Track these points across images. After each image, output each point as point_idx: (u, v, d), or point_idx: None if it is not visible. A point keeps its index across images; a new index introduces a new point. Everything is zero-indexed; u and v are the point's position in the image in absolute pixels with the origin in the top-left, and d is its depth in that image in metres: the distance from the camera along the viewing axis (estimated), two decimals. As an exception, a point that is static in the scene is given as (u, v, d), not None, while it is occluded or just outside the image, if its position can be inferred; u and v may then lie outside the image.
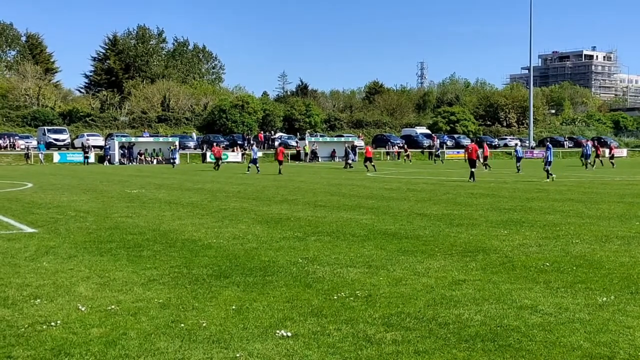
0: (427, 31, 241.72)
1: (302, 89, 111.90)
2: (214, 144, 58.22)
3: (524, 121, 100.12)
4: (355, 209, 17.56)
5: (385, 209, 17.49)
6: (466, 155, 33.82)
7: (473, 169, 30.71)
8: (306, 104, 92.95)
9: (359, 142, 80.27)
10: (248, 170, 42.27)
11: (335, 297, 7.57)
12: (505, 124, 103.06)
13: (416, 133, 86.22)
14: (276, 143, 78.93)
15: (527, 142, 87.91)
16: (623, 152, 76.98)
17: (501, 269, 9.20)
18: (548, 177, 30.65)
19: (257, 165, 43.21)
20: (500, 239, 12.03)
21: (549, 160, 31.66)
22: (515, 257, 10.10)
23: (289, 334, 6.17)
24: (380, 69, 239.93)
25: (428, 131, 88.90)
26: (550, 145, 33.10)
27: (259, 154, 43.53)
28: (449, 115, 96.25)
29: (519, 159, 40.97)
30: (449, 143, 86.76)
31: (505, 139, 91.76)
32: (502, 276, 8.73)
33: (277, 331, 6.25)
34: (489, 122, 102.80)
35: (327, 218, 15.49)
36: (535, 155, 75.96)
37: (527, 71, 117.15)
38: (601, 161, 50.00)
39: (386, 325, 6.47)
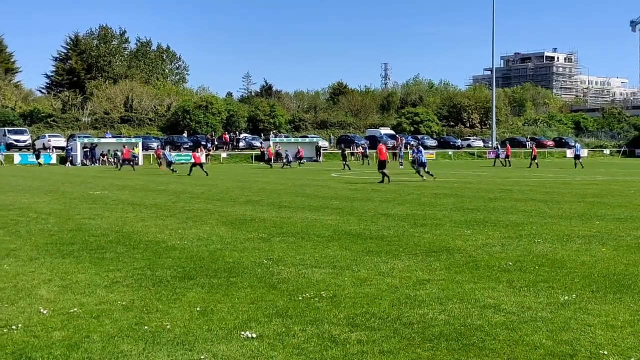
0: (391, 32, 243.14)
1: (267, 90, 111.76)
2: (157, 146, 56.69)
3: (487, 122, 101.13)
4: (320, 210, 17.58)
5: (350, 210, 17.54)
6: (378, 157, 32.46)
7: (384, 170, 30.06)
8: (271, 105, 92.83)
9: (324, 143, 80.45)
10: (175, 171, 43.47)
11: (301, 298, 7.57)
12: (468, 124, 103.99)
13: (380, 134, 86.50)
14: (241, 144, 78.75)
15: (490, 142, 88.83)
16: (584, 153, 78.04)
17: (465, 269, 9.28)
18: (422, 177, 31.34)
19: (172, 168, 44.98)
20: (464, 239, 12.14)
21: (423, 161, 32.46)
22: (478, 257, 10.20)
23: (254, 335, 6.16)
24: (344, 70, 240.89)
25: (392, 132, 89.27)
26: (421, 149, 34.34)
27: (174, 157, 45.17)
28: (413, 116, 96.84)
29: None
30: (413, 144, 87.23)
31: (469, 139, 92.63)
32: (466, 276, 8.81)
33: (242, 333, 6.23)
34: (452, 123, 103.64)
35: (292, 219, 15.48)
36: (490, 156, 76.74)
37: (489, 72, 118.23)
38: (537, 164, 52.19)
39: (351, 325, 6.49)
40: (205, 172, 40.59)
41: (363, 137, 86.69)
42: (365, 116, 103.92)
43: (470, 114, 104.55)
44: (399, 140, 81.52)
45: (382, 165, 30.34)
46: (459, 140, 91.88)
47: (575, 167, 48.25)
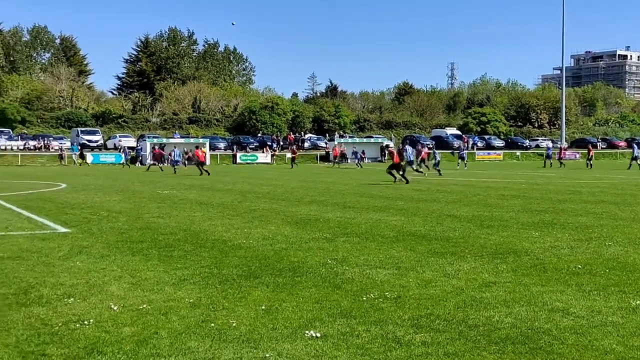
0: (458, 31, 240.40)
1: (332, 90, 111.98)
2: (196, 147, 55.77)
3: (556, 122, 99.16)
4: (385, 210, 17.53)
5: (414, 210, 17.44)
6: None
7: (400, 172, 30.54)
8: (335, 105, 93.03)
9: (390, 144, 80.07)
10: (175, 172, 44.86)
11: (364, 298, 7.57)
12: (536, 124, 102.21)
13: (446, 134, 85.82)
14: (306, 144, 79.14)
15: (560, 143, 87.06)
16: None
17: (532, 271, 9.12)
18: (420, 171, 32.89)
19: (175, 167, 46.94)
20: (532, 240, 11.94)
21: (411, 159, 32.68)
22: (546, 259, 10.02)
23: (318, 334, 6.18)
24: (410, 70, 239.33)
25: (458, 132, 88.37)
26: (408, 148, 34.08)
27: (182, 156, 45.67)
28: (480, 116, 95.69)
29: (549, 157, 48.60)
30: (480, 144, 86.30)
31: (537, 140, 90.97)
32: (533, 278, 8.66)
33: (306, 332, 6.26)
34: (520, 123, 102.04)
35: (356, 219, 15.48)
36: (567, 156, 75.15)
37: (559, 71, 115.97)
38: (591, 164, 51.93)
39: (415, 326, 6.46)
40: (206, 171, 41.40)
41: (428, 137, 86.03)
42: (431, 116, 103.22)
43: (539, 114, 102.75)
44: (465, 140, 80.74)
45: (395, 167, 30.94)
46: (527, 141, 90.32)
47: (629, 168, 47.07)
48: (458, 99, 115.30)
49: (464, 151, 56.73)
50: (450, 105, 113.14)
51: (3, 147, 68.14)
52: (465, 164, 53.29)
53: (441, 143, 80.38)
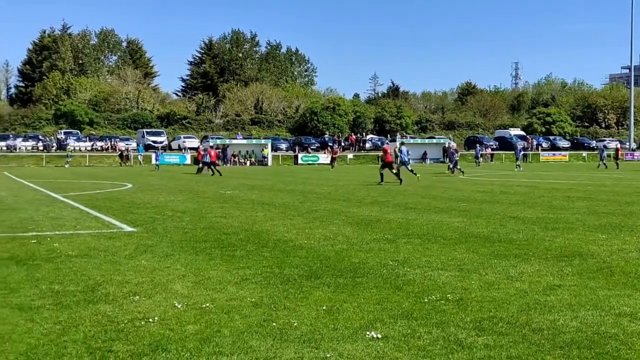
0: (522, 31, 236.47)
1: (394, 91, 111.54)
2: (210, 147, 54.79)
3: (624, 122, 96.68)
4: (447, 212, 17.38)
5: (477, 212, 17.25)
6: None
7: (393, 171, 30.82)
8: (397, 106, 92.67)
9: (452, 144, 79.33)
10: (199, 173, 44.20)
11: (426, 300, 7.52)
12: (604, 125, 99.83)
13: (510, 134, 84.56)
14: (367, 145, 79.03)
15: (628, 143, 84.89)
16: None
17: (598, 275, 8.92)
18: (412, 175, 32.41)
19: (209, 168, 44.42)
20: (598, 243, 11.67)
21: (405, 160, 33.16)
22: (613, 263, 9.78)
23: (379, 335, 6.17)
24: (473, 70, 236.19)
25: (522, 132, 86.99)
26: (403, 148, 34.57)
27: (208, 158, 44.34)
28: (545, 116, 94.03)
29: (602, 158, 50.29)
30: (545, 145, 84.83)
31: (604, 140, 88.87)
32: (599, 282, 8.47)
33: (367, 332, 6.26)
34: (586, 124, 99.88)
35: (417, 220, 15.39)
36: (636, 157, 73.27)
37: (627, 70, 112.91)
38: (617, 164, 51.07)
39: (478, 329, 6.39)
40: (218, 171, 41.59)
41: (492, 138, 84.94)
42: (494, 116, 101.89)
43: (606, 114, 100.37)
44: (529, 141, 79.45)
45: (387, 165, 31.19)
46: (594, 141, 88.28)
47: None
48: (522, 99, 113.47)
49: (521, 152, 55.47)
50: (514, 105, 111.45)
51: (72, 148, 69.98)
52: (518, 165, 52.24)
53: (505, 144, 79.29)
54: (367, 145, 79.30)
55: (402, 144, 37.58)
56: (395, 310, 7.11)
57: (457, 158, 44.48)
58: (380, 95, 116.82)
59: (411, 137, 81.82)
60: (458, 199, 21.76)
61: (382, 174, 31.11)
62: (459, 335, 6.18)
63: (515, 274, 9.01)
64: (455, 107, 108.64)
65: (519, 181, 33.12)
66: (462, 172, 38.10)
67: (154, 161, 58.48)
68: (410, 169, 33.04)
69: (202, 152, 45.34)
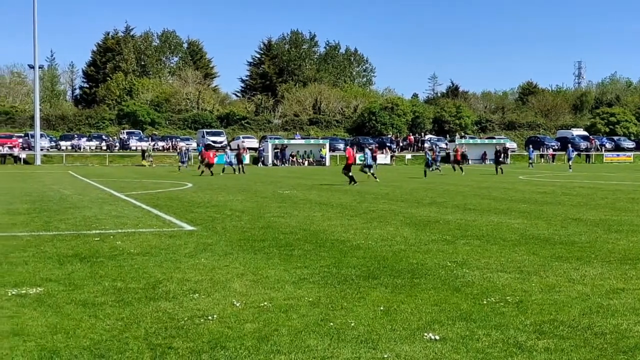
0: (585, 29, 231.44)
1: (453, 91, 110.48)
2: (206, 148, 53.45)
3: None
4: (507, 213, 17.15)
5: (538, 214, 16.97)
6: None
7: (350, 173, 30.84)
8: (456, 106, 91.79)
9: (512, 144, 78.32)
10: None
11: (485, 302, 7.44)
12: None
13: (572, 135, 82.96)
14: (426, 145, 78.50)
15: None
16: None
17: (664, 279, 8.68)
18: (370, 177, 32.97)
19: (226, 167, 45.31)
20: (664, 247, 11.35)
21: (369, 163, 33.58)
22: (680, 267, 9.51)
23: (437, 337, 6.13)
24: (534, 69, 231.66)
25: (585, 133, 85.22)
26: (367, 150, 35.04)
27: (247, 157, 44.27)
28: (609, 116, 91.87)
29: None
30: (608, 145, 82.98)
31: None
32: (665, 286, 8.24)
33: (425, 334, 6.23)
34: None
35: (476, 221, 15.23)
36: None
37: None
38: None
39: (538, 332, 6.29)
40: (211, 172, 41.64)
41: (553, 139, 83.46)
42: (556, 117, 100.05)
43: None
44: (592, 142, 77.83)
45: (347, 167, 31.35)
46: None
47: None
48: (585, 99, 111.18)
49: (573, 153, 54.11)
50: (576, 105, 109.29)
51: (134, 148, 71.32)
52: (570, 166, 51.10)
53: (567, 144, 77.83)
54: (426, 145, 78.72)
55: (367, 147, 38.40)
56: (454, 311, 7.05)
57: (433, 157, 44.08)
58: (439, 95, 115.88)
59: (470, 137, 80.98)
60: (518, 200, 21.45)
61: (351, 176, 31.25)
62: (518, 338, 6.10)
63: (577, 276, 8.84)
64: (515, 107, 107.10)
65: (582, 182, 32.47)
66: (440, 170, 38.92)
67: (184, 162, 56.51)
68: (372, 172, 33.75)
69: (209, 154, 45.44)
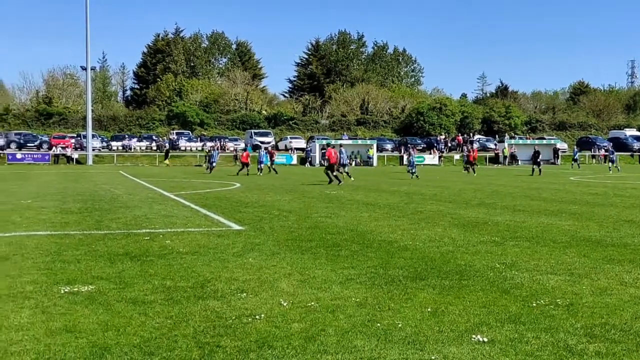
0: (639, 27, 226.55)
1: (502, 91, 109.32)
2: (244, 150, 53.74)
3: None
4: (557, 215, 16.90)
5: (589, 215, 16.68)
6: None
7: (333, 173, 31.43)
8: (506, 106, 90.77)
9: (562, 145, 77.09)
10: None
11: (534, 305, 7.35)
12: None
13: (625, 135, 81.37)
14: (475, 145, 77.80)
15: None
16: None
17: None
18: (344, 176, 33.65)
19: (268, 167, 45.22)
20: None
21: (343, 162, 34.51)
22: None
23: (485, 339, 6.08)
24: (586, 68, 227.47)
25: (638, 133, 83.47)
26: (342, 149, 35.46)
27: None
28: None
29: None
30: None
31: None
32: None
33: (473, 336, 6.17)
34: None
35: (526, 223, 15.04)
36: None
37: None
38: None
39: (589, 336, 6.19)
40: (247, 172, 42.59)
41: (605, 139, 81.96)
42: (608, 117, 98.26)
43: None
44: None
45: (330, 167, 31.82)
46: None
47: None
48: (639, 99, 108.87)
49: (614, 154, 52.66)
50: (629, 105, 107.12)
51: (183, 148, 72.17)
52: (618, 167, 49.89)
53: (619, 145, 76.32)
54: (475, 145, 78.00)
55: (340, 145, 38.79)
56: (502, 314, 6.98)
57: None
58: (488, 95, 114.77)
59: (520, 138, 79.99)
60: (569, 201, 21.12)
61: (335, 176, 31.63)
62: (568, 342, 6.01)
63: (629, 279, 8.67)
64: (566, 107, 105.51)
65: (634, 183, 31.82)
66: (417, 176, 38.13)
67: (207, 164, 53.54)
68: (347, 171, 34.35)
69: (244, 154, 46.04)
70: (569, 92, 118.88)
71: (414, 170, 38.08)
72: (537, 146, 56.66)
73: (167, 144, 69.57)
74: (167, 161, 63.97)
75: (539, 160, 44.54)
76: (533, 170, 43.45)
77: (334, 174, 31.43)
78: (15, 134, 71.48)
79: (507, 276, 8.92)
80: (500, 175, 43.31)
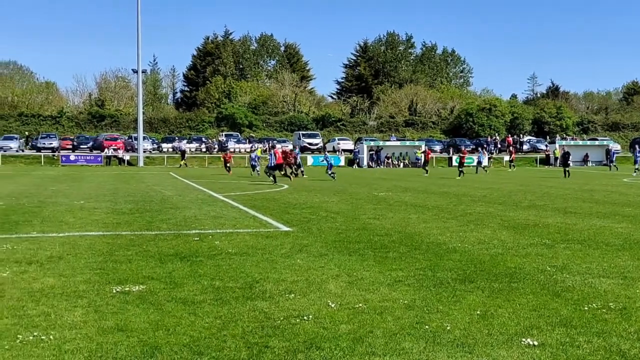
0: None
1: (553, 91, 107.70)
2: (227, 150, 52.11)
3: None
4: (610, 217, 16.58)
5: (643, 218, 16.33)
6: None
7: (281, 172, 33.01)
8: (557, 107, 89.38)
9: (616, 146, 75.55)
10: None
11: (586, 308, 7.23)
12: None
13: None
14: (525, 147, 76.75)
15: None
16: None
17: None
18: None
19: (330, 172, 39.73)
20: None
21: (253, 164, 37.08)
22: None
23: (536, 342, 6.00)
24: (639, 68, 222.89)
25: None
26: (327, 154, 36.38)
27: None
28: None
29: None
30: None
31: None
32: None
33: (523, 339, 6.10)
34: None
35: (577, 225, 14.80)
36: None
37: None
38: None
39: (643, 341, 6.06)
40: (288, 176, 39.73)
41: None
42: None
43: None
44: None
45: (278, 167, 32.89)
46: None
47: None
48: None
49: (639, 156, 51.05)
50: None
51: (232, 150, 72.76)
52: (637, 169, 48.52)
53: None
54: (525, 147, 76.99)
55: (256, 150, 40.03)
56: (553, 317, 6.88)
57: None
58: (539, 95, 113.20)
59: (571, 139, 78.70)
60: (622, 203, 20.71)
61: (284, 174, 32.80)
62: (621, 346, 5.90)
63: (685, 284, 8.46)
64: (620, 108, 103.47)
65: (691, 185, 31.03)
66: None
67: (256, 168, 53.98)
68: (258, 173, 36.57)
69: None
70: (622, 92, 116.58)
71: (301, 169, 39.48)
72: (566, 147, 55.71)
73: (182, 147, 69.11)
74: (183, 162, 64.31)
75: (568, 162, 43.79)
76: (565, 172, 42.39)
77: (282, 173, 32.54)
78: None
79: (558, 279, 8.79)
80: (551, 176, 42.63)
